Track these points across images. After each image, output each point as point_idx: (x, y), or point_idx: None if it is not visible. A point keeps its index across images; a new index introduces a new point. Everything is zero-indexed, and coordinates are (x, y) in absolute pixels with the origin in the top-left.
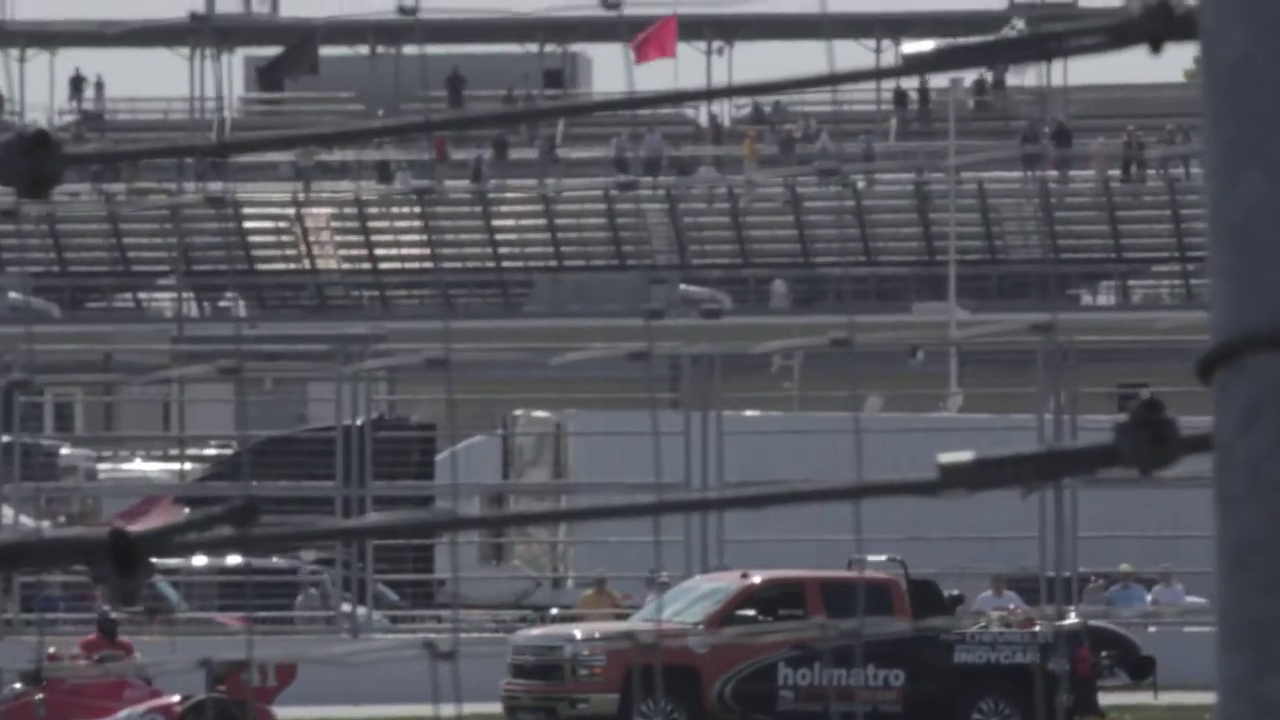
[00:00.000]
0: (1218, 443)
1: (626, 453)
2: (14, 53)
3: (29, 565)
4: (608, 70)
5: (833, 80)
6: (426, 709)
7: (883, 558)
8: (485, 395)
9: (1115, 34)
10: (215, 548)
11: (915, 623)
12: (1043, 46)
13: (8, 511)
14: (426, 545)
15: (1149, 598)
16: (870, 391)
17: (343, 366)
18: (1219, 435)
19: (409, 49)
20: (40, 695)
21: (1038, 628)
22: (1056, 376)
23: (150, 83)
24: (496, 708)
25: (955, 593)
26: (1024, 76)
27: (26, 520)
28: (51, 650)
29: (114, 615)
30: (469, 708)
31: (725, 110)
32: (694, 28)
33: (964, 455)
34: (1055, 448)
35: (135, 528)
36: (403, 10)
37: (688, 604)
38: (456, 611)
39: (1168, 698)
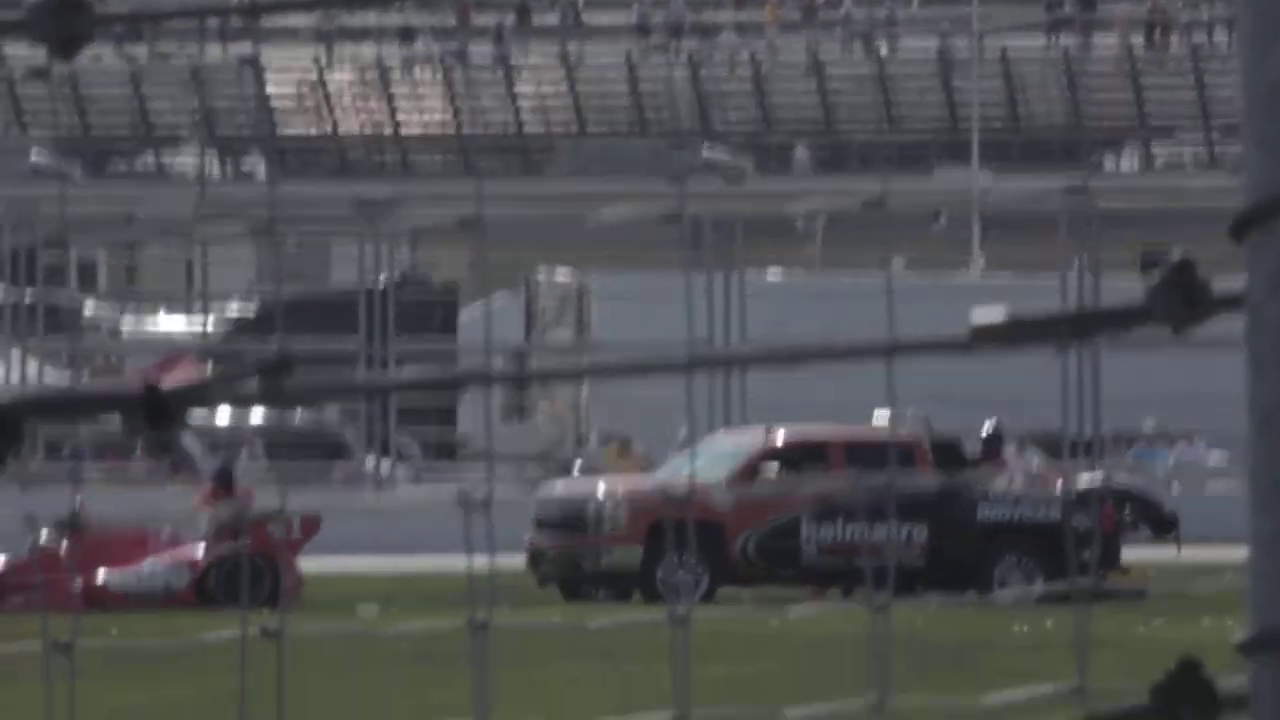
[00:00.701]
0: (1250, 305)
1: (648, 313)
2: None
3: (64, 417)
4: None
5: None
6: (449, 561)
7: (901, 415)
8: (508, 254)
9: None
10: (248, 401)
11: (943, 477)
12: None
13: (33, 366)
14: (450, 402)
15: (1171, 458)
16: (893, 255)
17: (378, 226)
18: (1251, 297)
19: None
20: (66, 545)
21: (1061, 485)
22: (1080, 239)
23: None
24: (520, 560)
25: (990, 431)
26: None
27: (52, 375)
28: (80, 499)
29: (229, 466)
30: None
31: None
32: None
33: (996, 314)
34: (1088, 307)
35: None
36: None
37: (711, 460)
38: (491, 464)
39: (1190, 553)
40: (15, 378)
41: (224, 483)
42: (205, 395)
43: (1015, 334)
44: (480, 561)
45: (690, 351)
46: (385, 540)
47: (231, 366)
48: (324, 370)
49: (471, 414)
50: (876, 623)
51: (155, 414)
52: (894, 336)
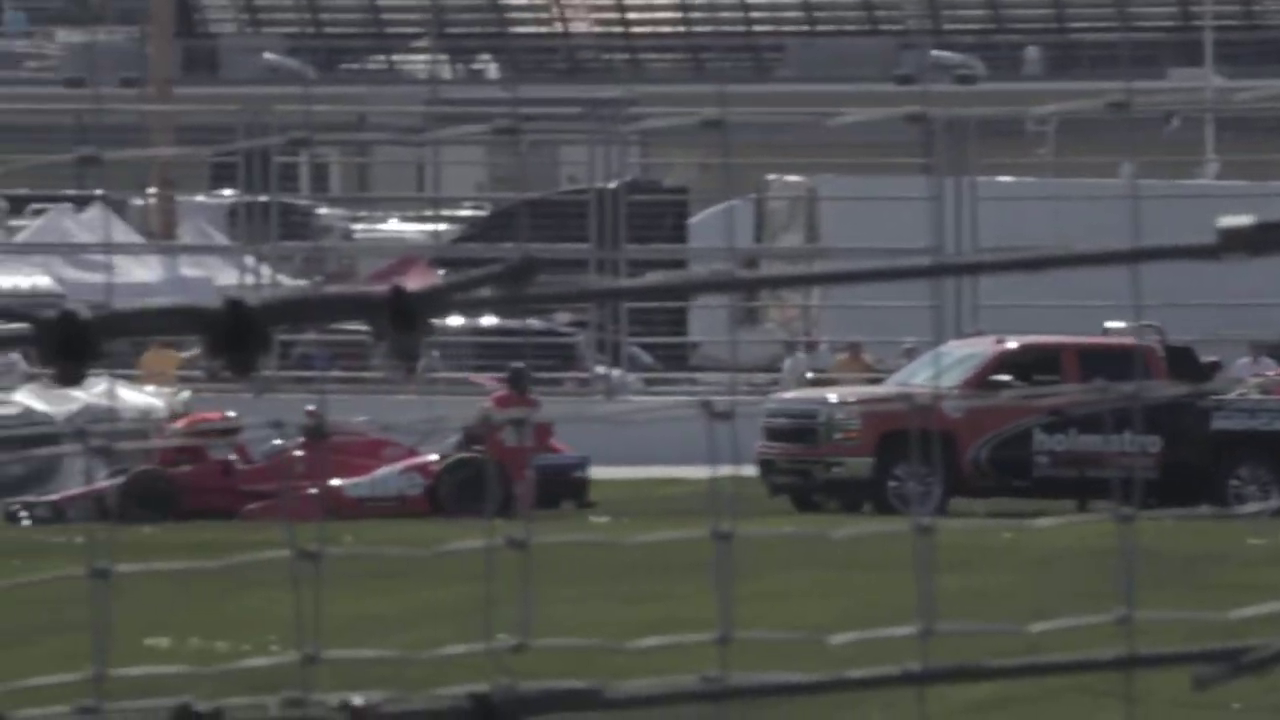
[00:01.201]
0: None
1: (878, 218)
2: None
3: (311, 320)
4: None
5: None
6: (678, 470)
7: (1139, 324)
8: (740, 160)
9: None
10: (493, 305)
11: (1186, 387)
12: None
13: (266, 270)
14: (680, 309)
15: None
16: (1124, 158)
17: (609, 128)
18: None
19: None
20: (300, 452)
21: None
22: None
23: None
24: (751, 470)
25: (1212, 359)
26: None
27: (284, 279)
28: (310, 408)
29: (523, 367)
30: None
31: None
32: None
33: (1244, 219)
34: None
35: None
36: None
37: (942, 369)
38: (734, 375)
39: None
40: (250, 282)
41: (519, 386)
42: (451, 299)
43: (1264, 238)
44: (721, 470)
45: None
46: (613, 451)
47: (476, 270)
48: (553, 275)
49: (701, 320)
50: (1122, 534)
51: (402, 318)
52: (1139, 242)
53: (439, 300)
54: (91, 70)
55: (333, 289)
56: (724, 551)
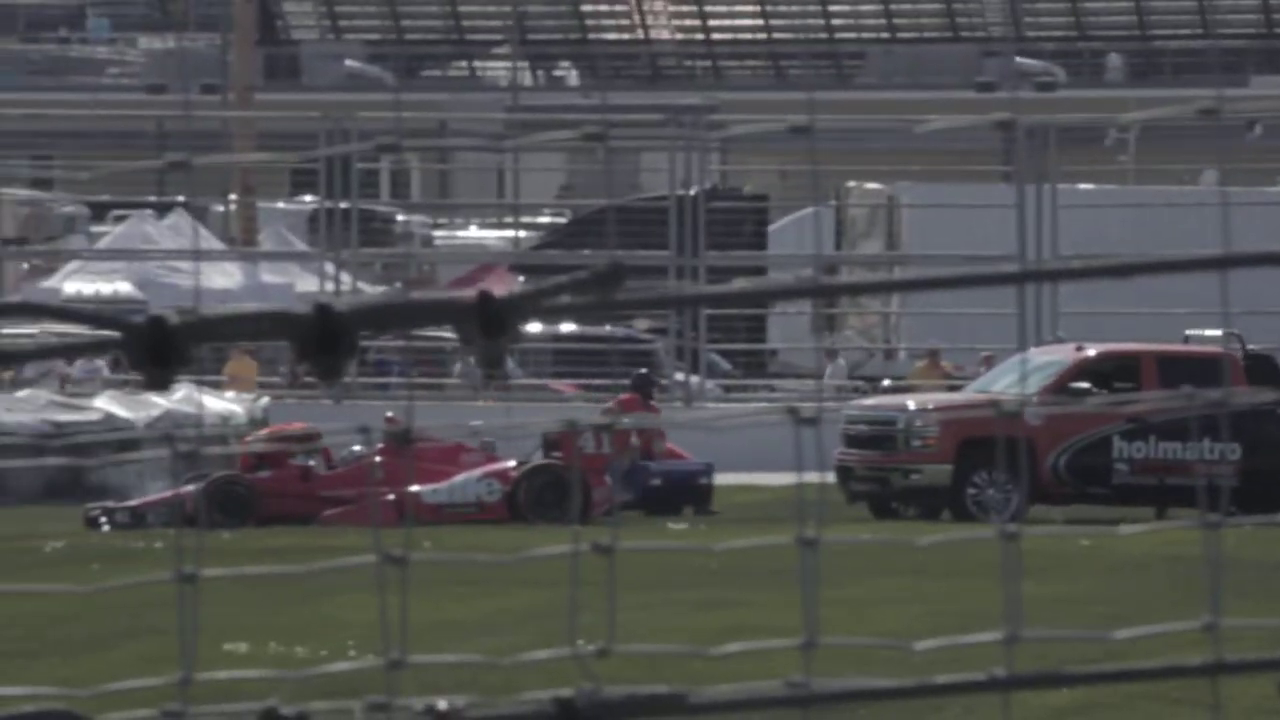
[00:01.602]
0: None
1: (957, 225)
2: None
3: (399, 326)
4: None
5: None
6: (754, 477)
7: (1218, 332)
8: (820, 166)
9: None
10: (579, 311)
11: (1272, 394)
12: None
13: (346, 277)
14: (759, 315)
15: None
16: (1206, 165)
17: (689, 135)
18: None
19: None
20: (379, 458)
21: None
22: None
23: None
24: (829, 477)
25: None
26: None
27: (364, 285)
28: (389, 414)
29: (648, 373)
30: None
31: None
32: None
33: None
34: None
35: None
36: None
37: (1021, 376)
38: (820, 382)
39: None
40: (330, 288)
41: (644, 391)
42: (538, 305)
43: None
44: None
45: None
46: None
47: (563, 276)
48: (633, 282)
49: (780, 327)
50: (1207, 542)
51: (489, 323)
52: (1228, 249)
53: (526, 305)
54: (173, 77)
55: (420, 294)
56: (809, 558)
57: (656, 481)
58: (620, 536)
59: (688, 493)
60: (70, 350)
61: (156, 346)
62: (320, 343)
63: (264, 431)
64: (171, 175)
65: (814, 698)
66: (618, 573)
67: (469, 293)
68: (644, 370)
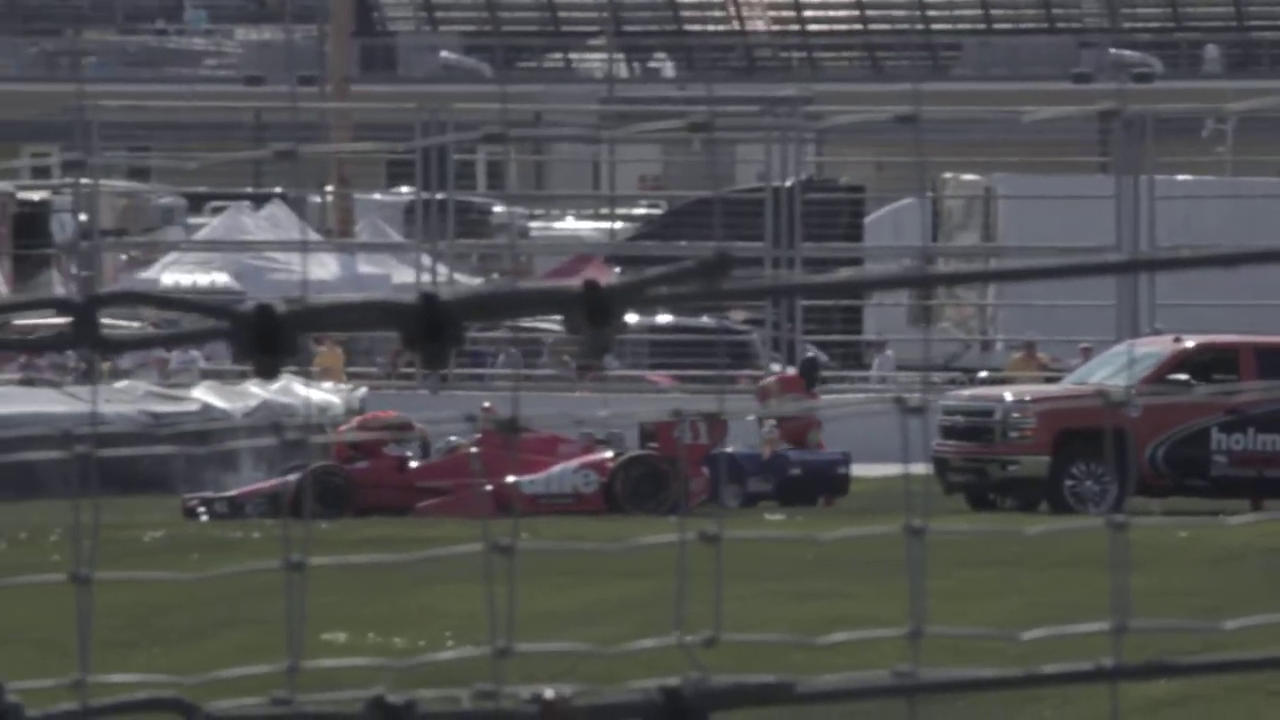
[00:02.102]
0: None
1: (1053, 217)
2: None
3: (505, 315)
4: None
5: None
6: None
7: None
8: (923, 158)
9: None
10: (685, 300)
11: None
12: None
13: (442, 269)
14: (855, 306)
15: None
16: None
17: (785, 126)
18: None
19: None
20: (475, 448)
21: None
22: None
23: None
24: (919, 468)
25: None
26: None
27: (460, 277)
28: (486, 404)
29: (815, 357)
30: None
31: None
32: None
33: None
34: None
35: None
36: None
37: (1119, 368)
38: (926, 375)
39: None
40: (425, 280)
41: (810, 376)
42: (644, 293)
43: None
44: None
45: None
46: None
47: (671, 265)
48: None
49: (876, 318)
50: None
51: (596, 312)
52: None
53: (633, 294)
54: (270, 68)
55: (525, 284)
56: (915, 547)
57: (796, 471)
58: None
59: (826, 482)
60: (178, 339)
61: (264, 335)
62: (427, 332)
63: (355, 420)
64: (269, 166)
65: (921, 687)
66: (711, 564)
67: (575, 281)
68: (811, 355)
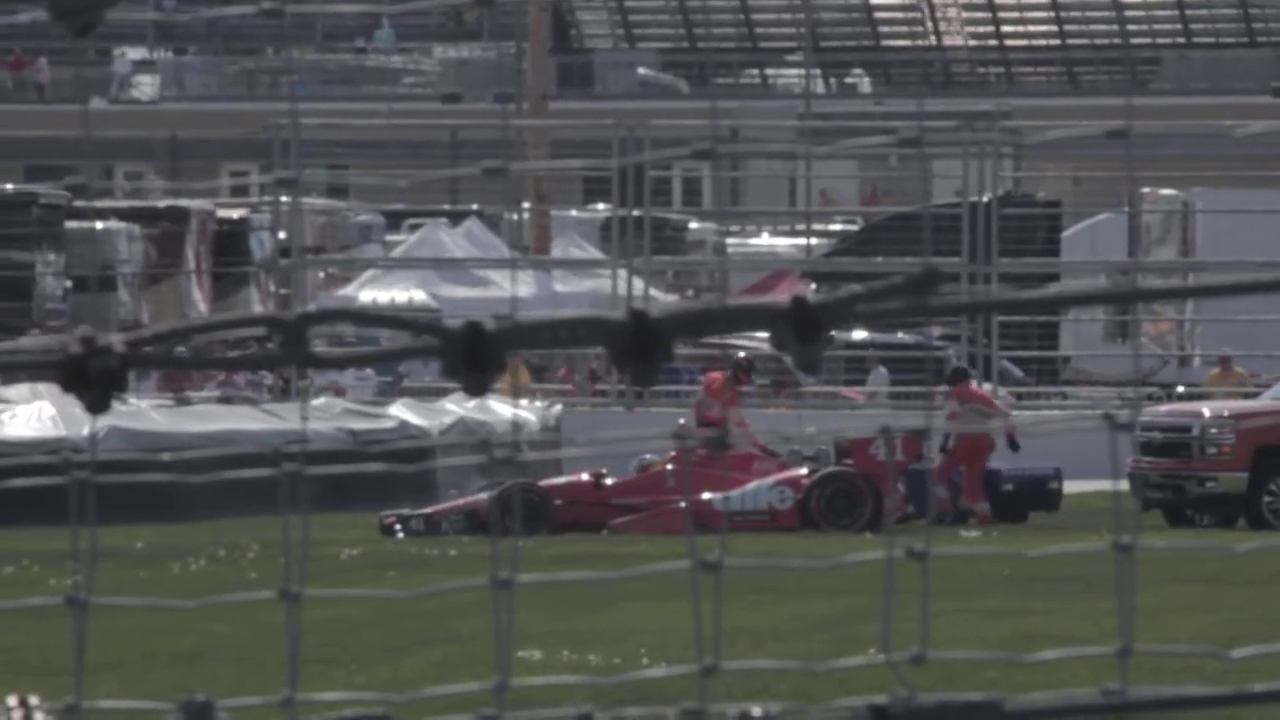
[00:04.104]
0: None
1: (1253, 231)
2: None
3: (714, 331)
4: None
5: None
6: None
7: None
8: (1112, 173)
9: None
10: (891, 316)
11: None
12: None
13: (638, 284)
14: (1052, 323)
15: None
16: None
17: (983, 141)
18: None
19: None
20: (670, 465)
21: None
22: None
23: None
24: (1123, 484)
25: None
26: None
27: (656, 294)
28: (682, 421)
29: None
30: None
31: None
32: None
33: None
34: None
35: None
36: None
37: None
38: (1137, 390)
39: None
40: (622, 296)
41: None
42: (853, 309)
43: None
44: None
45: None
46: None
47: (879, 281)
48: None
49: (1073, 334)
50: None
51: (806, 328)
52: None
53: (842, 309)
54: (467, 86)
55: (733, 300)
56: (1124, 563)
57: (1009, 487)
58: (931, 543)
59: (1039, 497)
60: (386, 357)
61: (473, 352)
62: (636, 349)
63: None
64: (465, 184)
65: (1130, 705)
66: (908, 581)
67: (783, 297)
68: (960, 365)
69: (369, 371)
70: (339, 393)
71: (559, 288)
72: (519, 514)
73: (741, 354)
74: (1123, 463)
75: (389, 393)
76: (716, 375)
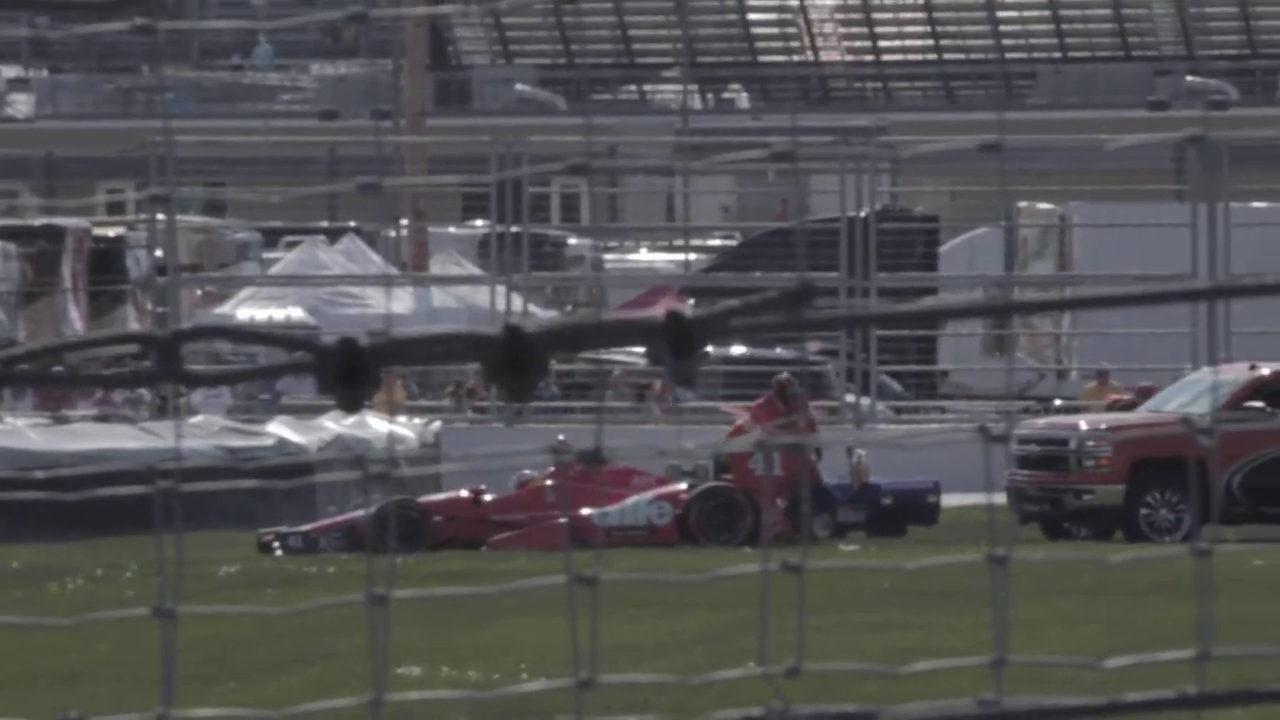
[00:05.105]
0: None
1: (1129, 245)
2: None
3: (589, 346)
4: None
5: None
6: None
7: None
8: (989, 187)
9: None
10: (767, 330)
11: None
12: None
13: (517, 300)
14: (930, 337)
15: None
16: None
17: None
18: None
19: None
20: (549, 481)
21: None
22: None
23: None
24: (999, 497)
25: None
26: None
27: (535, 309)
28: (561, 438)
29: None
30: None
31: None
32: None
33: None
34: None
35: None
36: None
37: (1194, 396)
38: (1011, 403)
39: None
40: (500, 312)
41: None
42: (728, 324)
43: None
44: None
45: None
46: None
47: (754, 296)
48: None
49: (952, 348)
50: None
51: (681, 343)
52: None
53: (716, 324)
54: (345, 103)
55: (609, 315)
56: (999, 575)
57: (887, 501)
58: (793, 558)
59: (918, 511)
60: (260, 374)
61: (348, 368)
62: (511, 365)
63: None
64: (344, 200)
65: (1006, 715)
66: (788, 595)
67: (658, 312)
68: (785, 377)
69: (223, 390)
70: (192, 412)
71: (437, 304)
72: (394, 531)
73: (784, 374)
74: (1000, 476)
75: (257, 411)
76: (760, 401)
